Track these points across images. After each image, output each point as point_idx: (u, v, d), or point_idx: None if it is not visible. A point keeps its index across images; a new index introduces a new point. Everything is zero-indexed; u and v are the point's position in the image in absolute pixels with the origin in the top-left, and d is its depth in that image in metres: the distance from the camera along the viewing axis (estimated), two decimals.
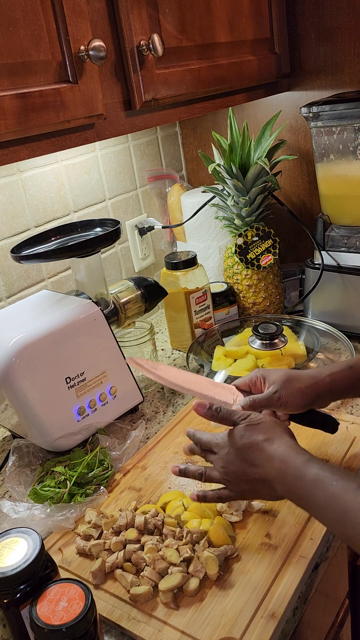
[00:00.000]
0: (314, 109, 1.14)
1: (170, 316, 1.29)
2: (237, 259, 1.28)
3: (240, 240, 1.28)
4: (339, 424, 0.83)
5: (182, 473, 0.77)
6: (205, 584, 0.71)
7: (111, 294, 1.09)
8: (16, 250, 0.98)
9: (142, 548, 0.75)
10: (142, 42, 0.87)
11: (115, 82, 0.87)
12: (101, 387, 0.98)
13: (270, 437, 0.69)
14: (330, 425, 0.83)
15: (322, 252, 1.23)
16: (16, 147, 0.75)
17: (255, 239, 1.28)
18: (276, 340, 1.15)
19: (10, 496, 0.92)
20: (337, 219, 1.25)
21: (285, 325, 1.23)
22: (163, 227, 1.48)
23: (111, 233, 0.98)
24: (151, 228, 1.44)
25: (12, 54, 0.70)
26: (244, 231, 1.29)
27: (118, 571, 0.73)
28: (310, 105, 1.15)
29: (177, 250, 1.49)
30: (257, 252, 1.28)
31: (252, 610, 0.66)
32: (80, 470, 0.88)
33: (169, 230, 1.53)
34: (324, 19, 1.24)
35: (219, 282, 1.36)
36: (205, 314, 1.27)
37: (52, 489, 0.86)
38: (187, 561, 0.72)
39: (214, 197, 1.33)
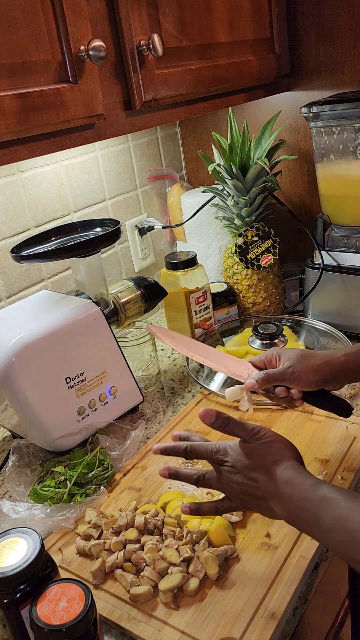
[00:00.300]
0: (314, 109, 1.14)
1: (170, 316, 1.29)
2: (237, 259, 1.28)
3: (240, 240, 1.28)
4: (353, 408, 0.82)
5: (174, 476, 0.72)
6: (205, 584, 0.71)
7: (111, 294, 1.09)
8: (16, 250, 0.98)
9: (142, 548, 0.75)
10: (142, 42, 0.87)
11: (115, 82, 0.87)
12: (101, 387, 0.98)
13: (278, 459, 0.66)
14: (343, 408, 0.82)
15: (322, 252, 1.23)
16: (16, 147, 0.75)
17: (255, 239, 1.28)
18: (276, 340, 1.15)
19: (10, 496, 0.92)
20: (337, 219, 1.25)
21: (285, 325, 1.23)
22: (163, 227, 1.48)
23: (111, 233, 0.98)
24: (151, 228, 1.44)
25: (12, 54, 0.70)
26: (244, 231, 1.29)
27: (118, 571, 0.73)
28: (310, 105, 1.15)
29: (177, 250, 1.49)
30: (257, 252, 1.28)
31: (252, 610, 0.66)
32: (80, 470, 0.88)
33: (169, 230, 1.53)
34: (324, 19, 1.24)
35: (219, 282, 1.36)
36: (205, 314, 1.27)
37: (52, 489, 0.86)
38: (187, 561, 0.72)
39: (214, 197, 1.33)
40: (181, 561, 0.71)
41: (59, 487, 0.86)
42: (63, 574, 0.74)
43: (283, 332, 1.16)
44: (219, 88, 1.08)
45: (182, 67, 0.97)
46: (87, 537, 0.79)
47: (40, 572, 0.63)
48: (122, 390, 1.02)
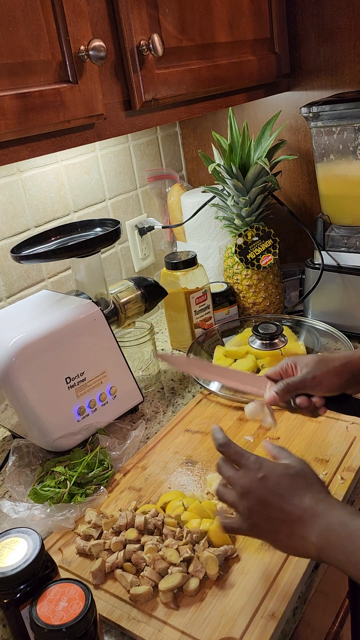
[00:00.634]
0: (314, 109, 1.15)
1: (170, 316, 1.29)
2: (237, 259, 1.28)
3: (240, 240, 1.28)
4: None
5: (219, 468, 0.66)
6: (205, 584, 0.71)
7: (111, 294, 1.09)
8: (16, 250, 0.98)
9: (142, 548, 0.75)
10: (142, 42, 0.87)
11: (115, 82, 0.87)
12: (101, 387, 0.98)
13: (315, 484, 0.61)
14: None
15: (322, 252, 1.23)
16: (16, 147, 0.75)
17: (255, 239, 1.28)
18: (276, 340, 1.15)
19: (10, 496, 0.92)
20: (337, 219, 1.25)
21: (285, 325, 1.23)
22: (163, 227, 1.48)
23: (111, 233, 0.98)
24: (151, 228, 1.44)
25: (12, 54, 0.70)
26: (244, 231, 1.29)
27: (118, 571, 0.73)
28: (310, 105, 1.15)
29: (177, 250, 1.49)
30: (257, 252, 1.28)
31: (252, 610, 0.66)
32: (80, 470, 0.88)
33: (169, 230, 1.53)
34: (324, 19, 1.24)
35: (219, 282, 1.36)
36: (205, 314, 1.27)
37: (52, 489, 0.86)
38: (187, 561, 0.72)
39: (214, 197, 1.33)
40: (181, 561, 0.71)
41: (59, 487, 0.86)
42: (63, 574, 0.74)
43: (283, 332, 1.16)
44: (219, 88, 1.08)
45: (182, 67, 0.97)
46: (87, 537, 0.79)
47: (40, 572, 0.63)
48: (122, 390, 1.02)
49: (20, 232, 1.15)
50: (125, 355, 1.03)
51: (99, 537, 0.78)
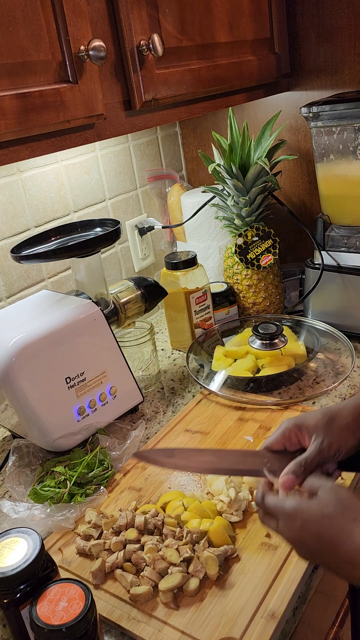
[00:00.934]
0: (314, 109, 1.14)
1: (170, 316, 1.29)
2: (237, 259, 1.28)
3: (240, 240, 1.28)
4: None
5: (260, 498, 0.62)
6: (205, 584, 0.71)
7: (111, 294, 1.09)
8: (16, 250, 0.98)
9: (142, 548, 0.75)
10: (142, 42, 0.87)
11: (115, 82, 0.87)
12: (101, 387, 0.98)
13: (355, 510, 0.56)
14: None
15: (322, 252, 1.23)
16: (16, 147, 0.75)
17: (255, 239, 1.28)
18: (276, 340, 1.15)
19: (10, 496, 0.92)
20: (337, 219, 1.25)
21: (285, 325, 1.23)
22: (163, 227, 1.48)
23: (111, 233, 0.98)
24: (151, 228, 1.44)
25: (12, 54, 0.70)
26: (244, 231, 1.29)
27: (118, 571, 0.73)
28: (310, 105, 1.15)
29: (177, 250, 1.49)
30: (257, 252, 1.28)
31: (252, 610, 0.66)
32: (80, 470, 0.88)
33: (169, 230, 1.53)
34: (324, 19, 1.24)
35: (219, 282, 1.36)
36: (205, 314, 1.27)
37: (52, 489, 0.86)
38: (187, 561, 0.72)
39: (214, 197, 1.33)
40: (181, 561, 0.71)
41: (59, 487, 0.86)
42: (63, 574, 0.74)
43: (283, 332, 1.16)
44: (219, 88, 1.08)
45: (182, 67, 0.97)
46: (87, 537, 0.79)
47: (40, 572, 0.63)
48: (122, 390, 1.02)
49: (20, 232, 1.15)
50: (125, 355, 1.03)
51: (99, 537, 0.78)
